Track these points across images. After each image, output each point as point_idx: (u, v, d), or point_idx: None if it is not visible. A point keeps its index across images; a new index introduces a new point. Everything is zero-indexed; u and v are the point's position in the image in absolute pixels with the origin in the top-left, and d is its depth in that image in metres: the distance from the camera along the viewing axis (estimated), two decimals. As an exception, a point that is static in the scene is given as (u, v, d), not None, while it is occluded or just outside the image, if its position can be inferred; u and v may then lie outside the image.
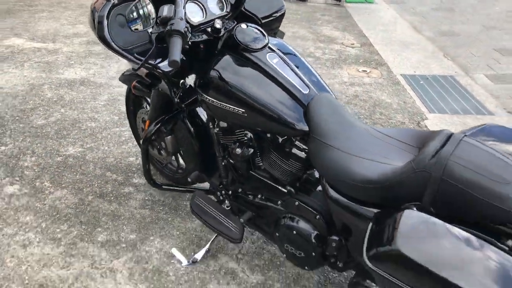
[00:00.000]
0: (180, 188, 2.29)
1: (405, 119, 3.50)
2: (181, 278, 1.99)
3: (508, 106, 3.76)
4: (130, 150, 2.88)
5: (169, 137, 2.21)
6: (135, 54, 1.67)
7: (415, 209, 1.38)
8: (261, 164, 1.91)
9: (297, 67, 1.80)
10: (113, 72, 4.10)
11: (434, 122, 3.48)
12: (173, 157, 2.37)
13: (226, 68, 1.74)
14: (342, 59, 4.76)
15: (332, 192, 1.64)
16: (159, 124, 2.06)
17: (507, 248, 1.29)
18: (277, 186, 1.88)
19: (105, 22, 1.63)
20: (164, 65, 1.74)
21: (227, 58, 1.76)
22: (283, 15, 2.09)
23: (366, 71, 4.51)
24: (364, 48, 5.14)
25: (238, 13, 1.95)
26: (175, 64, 1.41)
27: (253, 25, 1.83)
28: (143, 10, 1.60)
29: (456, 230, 1.25)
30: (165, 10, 1.51)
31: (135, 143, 2.87)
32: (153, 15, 1.65)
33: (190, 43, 1.62)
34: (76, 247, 2.13)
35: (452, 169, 1.33)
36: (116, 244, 2.16)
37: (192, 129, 2.14)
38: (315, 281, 2.01)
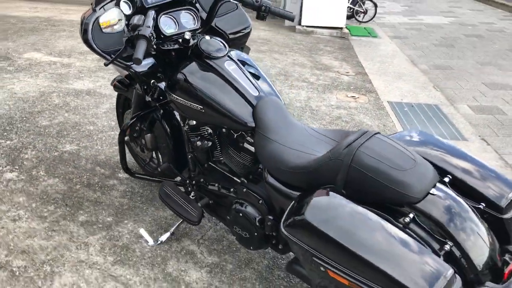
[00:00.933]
0: (152, 178, 2.61)
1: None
2: (145, 255, 2.28)
3: (483, 133, 4.01)
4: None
5: (148, 135, 2.55)
6: (111, 55, 2.03)
7: (328, 189, 1.67)
8: (220, 157, 2.23)
9: (252, 75, 2.15)
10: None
11: None
12: (153, 154, 2.71)
13: (190, 71, 2.09)
14: (335, 85, 5.09)
15: (270, 179, 1.95)
16: (134, 119, 2.41)
17: (401, 225, 1.57)
18: (233, 176, 2.19)
19: (90, 28, 2.01)
20: (133, 65, 2.10)
21: (192, 64, 2.11)
22: (249, 32, 2.45)
23: (354, 96, 4.83)
24: (358, 77, 5.47)
25: (209, 29, 2.32)
26: (137, 61, 1.76)
27: (216, 37, 2.19)
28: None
29: (358, 208, 1.53)
30: (136, 19, 1.88)
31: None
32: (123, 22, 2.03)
33: (155, 46, 1.99)
34: (58, 224, 2.46)
35: (359, 157, 1.63)
36: (93, 224, 2.48)
37: (167, 127, 2.49)
38: (264, 265, 2.28)
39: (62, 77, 4.68)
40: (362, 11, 8.94)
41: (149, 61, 2.17)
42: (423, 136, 2.02)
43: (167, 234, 2.39)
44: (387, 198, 1.61)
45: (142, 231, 2.39)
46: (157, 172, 2.75)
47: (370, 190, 1.62)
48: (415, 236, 1.53)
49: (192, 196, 2.37)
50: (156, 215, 2.59)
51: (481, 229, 1.60)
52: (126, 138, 2.53)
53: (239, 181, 2.18)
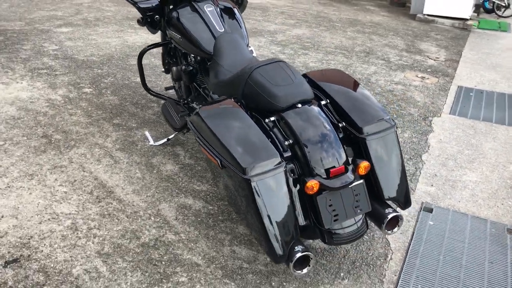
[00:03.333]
0: (162, 96, 3.37)
1: (416, 113, 3.96)
2: (142, 149, 3.08)
3: (538, 123, 3.87)
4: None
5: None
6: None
7: (232, 99, 2.21)
8: (199, 81, 2.91)
9: (230, 20, 2.76)
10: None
11: (442, 120, 3.88)
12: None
13: (179, 10, 2.80)
14: (412, 66, 5.22)
15: (211, 94, 2.57)
16: (152, 46, 3.19)
17: (268, 128, 2.07)
18: (206, 96, 2.84)
19: None
20: (138, 1, 2.87)
21: (182, 6, 2.81)
22: None
23: (424, 77, 4.93)
24: (445, 63, 5.47)
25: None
26: None
27: None
28: None
29: (239, 111, 2.04)
30: None
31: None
32: None
33: None
34: (98, 122, 3.41)
35: (253, 75, 2.17)
36: (121, 126, 3.37)
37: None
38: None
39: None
40: (504, 5, 8.43)
41: (153, 1, 2.92)
42: (335, 72, 2.41)
43: (164, 140, 3.14)
44: (264, 106, 2.11)
45: (147, 133, 3.19)
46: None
47: (255, 100, 2.14)
48: (269, 133, 2.00)
49: (181, 111, 3.07)
50: (167, 129, 3.36)
51: (329, 139, 1.97)
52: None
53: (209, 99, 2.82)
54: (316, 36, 6.23)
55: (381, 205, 2.10)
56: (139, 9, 2.91)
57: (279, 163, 1.84)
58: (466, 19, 7.60)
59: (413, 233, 2.48)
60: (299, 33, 6.38)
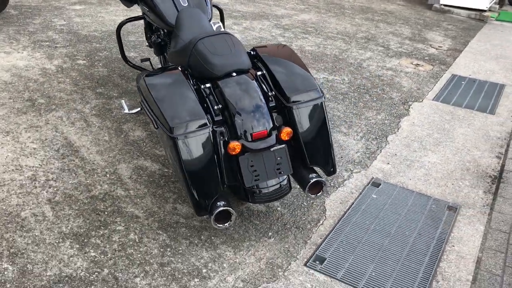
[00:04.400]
0: (139, 67, 3.56)
1: (397, 97, 4.04)
2: (115, 116, 3.31)
3: (520, 112, 3.88)
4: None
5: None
6: None
7: (179, 68, 2.37)
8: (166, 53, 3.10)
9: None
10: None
11: (422, 105, 3.95)
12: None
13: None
14: (411, 54, 5.25)
15: (169, 62, 2.75)
16: (129, 20, 3.39)
17: (205, 94, 2.22)
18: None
19: None
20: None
21: None
22: None
23: (419, 64, 4.97)
24: (447, 52, 5.47)
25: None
26: None
27: None
28: None
29: (180, 77, 2.20)
30: None
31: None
32: None
33: None
34: (82, 90, 3.65)
35: (197, 45, 2.33)
36: (103, 94, 3.61)
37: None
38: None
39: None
40: (529, -4, 8.23)
41: None
42: (282, 47, 2.55)
43: (138, 109, 3.36)
44: (204, 74, 2.28)
45: (123, 102, 3.41)
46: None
47: (197, 68, 2.31)
48: (205, 99, 2.17)
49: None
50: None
51: (256, 105, 2.13)
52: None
53: None
54: (321, 22, 6.31)
55: (307, 170, 2.24)
56: None
57: (204, 124, 2.01)
58: (484, 10, 7.48)
59: (352, 203, 2.60)
60: (305, 18, 6.47)
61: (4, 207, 2.33)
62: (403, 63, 4.95)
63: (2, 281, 1.92)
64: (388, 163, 3.03)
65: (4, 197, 2.40)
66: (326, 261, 2.16)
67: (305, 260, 2.16)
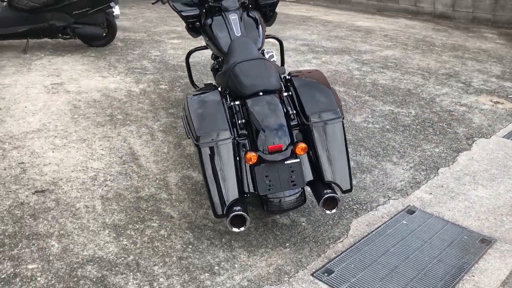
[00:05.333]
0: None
1: (462, 132, 3.94)
2: (179, 133, 3.70)
3: None
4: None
5: None
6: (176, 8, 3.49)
7: (219, 89, 2.69)
8: None
9: (251, 27, 3.26)
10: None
11: (489, 142, 3.82)
12: None
13: (211, 19, 3.36)
14: (494, 91, 5.06)
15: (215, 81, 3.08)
16: (197, 49, 3.80)
17: (235, 110, 2.52)
18: None
19: None
20: (182, 11, 3.48)
21: (215, 15, 3.37)
22: (275, 3, 3.50)
23: (499, 102, 4.80)
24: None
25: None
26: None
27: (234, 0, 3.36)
28: None
29: (215, 97, 2.51)
30: None
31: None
32: None
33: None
34: (156, 110, 4.13)
35: (234, 69, 2.65)
36: (173, 115, 4.04)
37: None
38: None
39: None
40: None
41: (193, 9, 3.52)
42: (314, 72, 2.76)
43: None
44: (237, 93, 2.57)
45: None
46: None
47: (232, 89, 2.62)
48: (234, 114, 2.44)
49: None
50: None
51: (276, 122, 2.36)
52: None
53: None
54: (404, 58, 6.33)
55: (324, 185, 2.38)
56: (182, 17, 3.56)
57: (226, 136, 2.28)
58: None
59: (379, 227, 2.65)
60: (388, 54, 6.54)
61: (65, 198, 2.76)
62: (481, 100, 4.80)
63: (48, 254, 2.30)
64: (431, 193, 3.01)
65: (67, 190, 2.85)
66: (333, 274, 2.25)
67: (313, 270, 2.27)
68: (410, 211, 2.82)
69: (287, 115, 2.42)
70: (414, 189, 3.05)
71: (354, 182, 3.10)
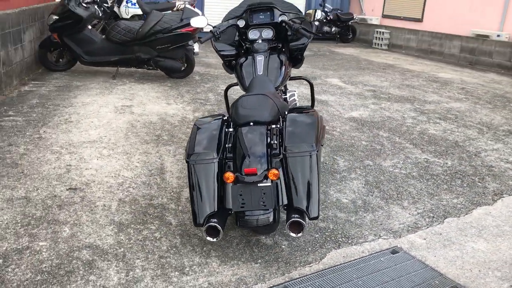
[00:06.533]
0: None
1: (492, 188, 3.88)
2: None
3: None
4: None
5: None
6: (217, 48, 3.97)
7: (225, 116, 3.11)
8: None
9: (274, 68, 3.64)
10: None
11: (505, 204, 3.76)
12: None
13: (241, 59, 3.79)
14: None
15: None
16: (234, 84, 4.23)
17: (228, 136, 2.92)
18: None
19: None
20: (221, 50, 3.95)
21: (246, 55, 3.79)
22: (303, 47, 3.84)
23: None
24: None
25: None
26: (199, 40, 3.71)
27: (264, 43, 3.77)
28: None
29: (216, 123, 2.93)
30: (220, 25, 3.80)
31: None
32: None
33: (219, 37, 3.80)
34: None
35: (238, 100, 3.03)
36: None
37: None
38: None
39: (325, 91, 6.74)
40: None
41: (231, 49, 3.97)
42: (311, 111, 3.05)
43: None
44: (233, 122, 2.94)
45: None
46: None
47: (233, 117, 3.00)
48: (226, 139, 2.81)
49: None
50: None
51: (255, 149, 2.69)
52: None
53: None
54: (468, 111, 6.24)
55: (293, 210, 2.62)
56: (220, 56, 4.02)
57: (212, 157, 2.65)
58: None
59: (354, 260, 2.79)
60: (454, 106, 6.47)
61: (90, 197, 3.28)
62: (532, 159, 4.63)
63: (57, 236, 2.80)
64: (425, 239, 3.06)
65: (94, 190, 3.38)
66: (288, 291, 2.45)
67: (271, 285, 2.50)
68: (394, 251, 2.90)
69: (270, 144, 2.71)
70: (410, 233, 3.12)
71: (352, 219, 3.25)
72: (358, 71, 8.79)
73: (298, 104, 3.97)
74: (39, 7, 7.05)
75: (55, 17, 6.42)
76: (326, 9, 12.95)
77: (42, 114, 5.02)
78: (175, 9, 8.36)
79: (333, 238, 3.00)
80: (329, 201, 3.48)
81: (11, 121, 4.74)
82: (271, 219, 2.63)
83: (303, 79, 4.23)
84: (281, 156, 2.71)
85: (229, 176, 2.58)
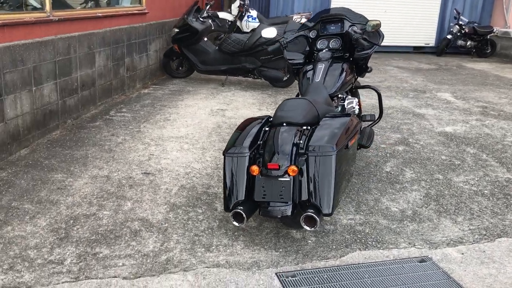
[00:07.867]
0: None
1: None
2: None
3: None
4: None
5: None
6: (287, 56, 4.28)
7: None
8: None
9: (333, 75, 3.85)
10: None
11: None
12: None
13: (306, 67, 4.04)
14: None
15: None
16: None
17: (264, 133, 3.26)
18: None
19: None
20: (290, 59, 4.22)
21: (311, 64, 4.04)
22: (367, 57, 3.96)
23: None
24: None
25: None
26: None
27: (329, 52, 3.97)
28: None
29: (259, 121, 3.28)
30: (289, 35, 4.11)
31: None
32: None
33: (286, 47, 4.09)
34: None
35: (281, 103, 3.35)
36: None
37: None
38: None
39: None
40: None
41: (300, 57, 4.23)
42: (343, 116, 3.21)
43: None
44: (272, 121, 3.25)
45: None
46: None
47: (273, 117, 3.30)
48: (262, 133, 3.13)
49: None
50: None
51: (282, 147, 2.95)
52: None
53: None
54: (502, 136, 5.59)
55: (309, 205, 2.82)
56: (288, 64, 4.30)
57: (244, 151, 2.97)
58: None
59: (374, 262, 2.87)
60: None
61: (158, 181, 3.81)
62: None
63: (119, 209, 3.34)
64: (463, 253, 2.99)
65: (164, 176, 3.90)
66: (294, 278, 2.65)
67: (280, 271, 2.72)
68: (422, 260, 2.89)
69: (297, 144, 2.94)
70: (449, 246, 3.05)
71: (393, 226, 3.29)
72: (477, 86, 8.30)
73: (356, 112, 4.07)
74: (168, 21, 8.04)
75: (176, 30, 7.30)
76: (461, 22, 12.29)
77: (148, 112, 5.80)
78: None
79: (363, 240, 3.08)
80: (376, 208, 3.53)
81: (122, 116, 5.57)
82: (289, 212, 2.84)
83: (371, 88, 4.30)
84: (306, 155, 2.92)
85: (255, 169, 2.86)
